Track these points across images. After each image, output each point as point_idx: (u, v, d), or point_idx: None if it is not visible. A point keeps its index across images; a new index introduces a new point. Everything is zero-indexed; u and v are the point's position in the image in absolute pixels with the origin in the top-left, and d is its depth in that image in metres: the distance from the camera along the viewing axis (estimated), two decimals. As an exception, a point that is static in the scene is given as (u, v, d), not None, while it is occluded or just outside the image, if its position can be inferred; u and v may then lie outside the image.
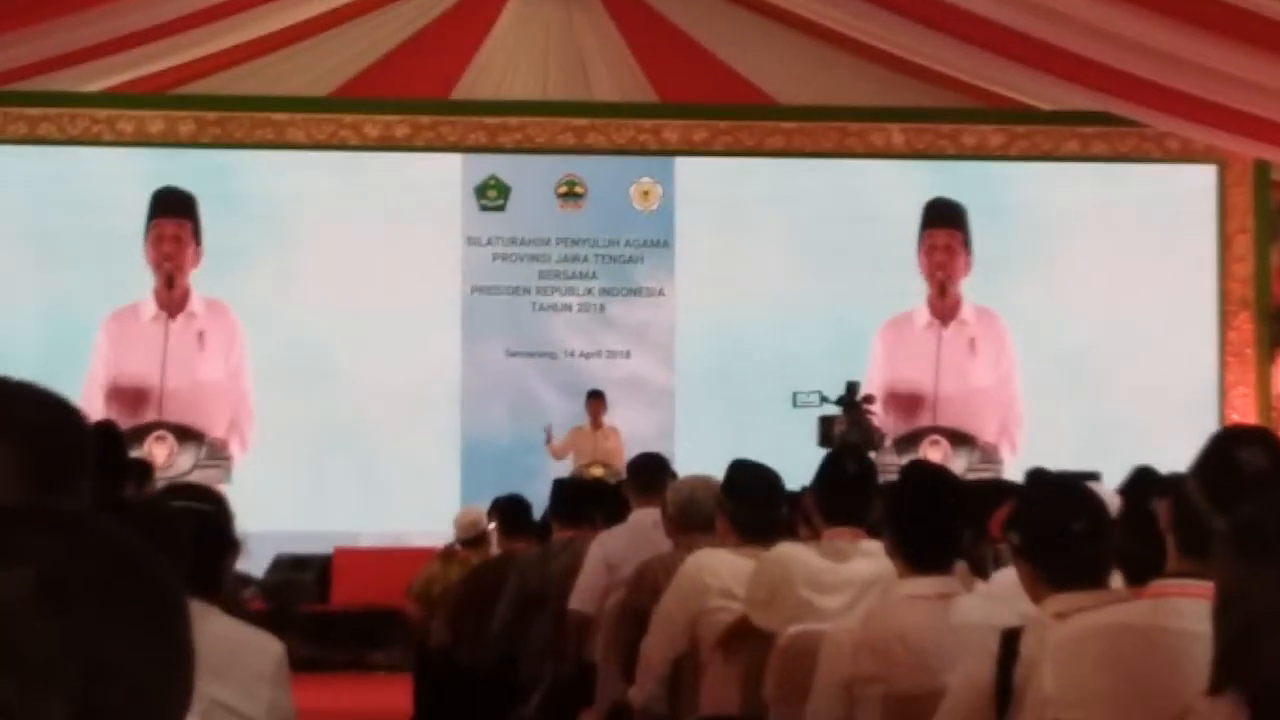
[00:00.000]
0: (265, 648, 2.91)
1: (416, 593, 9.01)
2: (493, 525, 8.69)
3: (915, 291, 13.79)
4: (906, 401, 13.67)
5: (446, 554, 9.19)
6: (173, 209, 13.32)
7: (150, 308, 13.30)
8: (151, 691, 0.95)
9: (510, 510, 8.39)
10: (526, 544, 7.95)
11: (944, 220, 13.79)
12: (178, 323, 13.30)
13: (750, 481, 4.90)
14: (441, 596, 8.39)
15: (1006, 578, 4.19)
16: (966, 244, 13.81)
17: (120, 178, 13.34)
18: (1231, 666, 1.79)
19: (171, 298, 13.30)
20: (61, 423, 1.80)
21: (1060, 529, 3.08)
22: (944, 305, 13.81)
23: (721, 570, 4.72)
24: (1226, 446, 2.71)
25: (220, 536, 3.12)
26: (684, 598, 4.85)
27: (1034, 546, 3.14)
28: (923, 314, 13.80)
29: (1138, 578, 3.01)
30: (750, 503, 4.83)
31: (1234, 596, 1.82)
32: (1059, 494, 3.20)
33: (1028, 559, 3.15)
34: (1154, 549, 2.79)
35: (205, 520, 3.07)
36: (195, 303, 13.34)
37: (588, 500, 7.32)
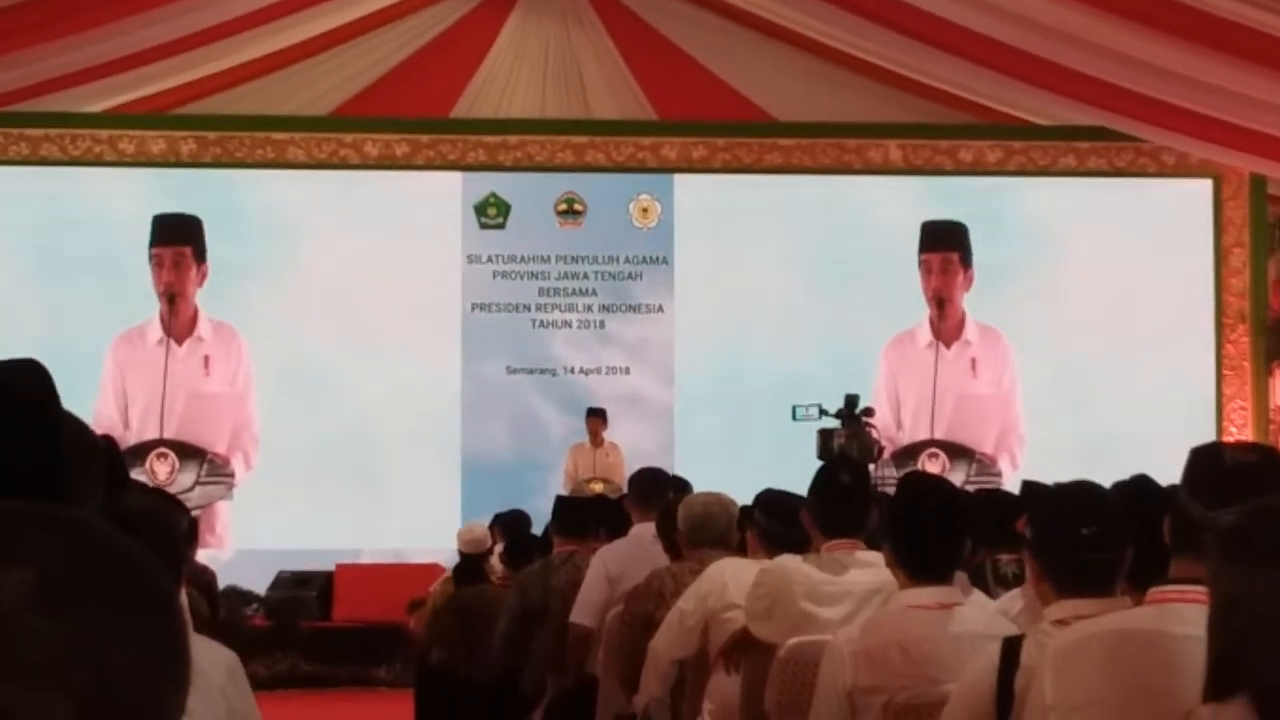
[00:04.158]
0: (218, 657, 2.92)
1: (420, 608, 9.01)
2: (499, 548, 8.59)
3: (916, 305, 13.80)
4: (908, 419, 13.68)
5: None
6: (171, 236, 13.34)
7: (156, 331, 13.31)
8: (152, 692, 0.96)
9: (514, 533, 8.34)
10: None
11: (940, 243, 13.78)
12: (184, 348, 13.30)
13: (781, 499, 5.01)
14: (443, 611, 8.39)
15: (1012, 605, 4.21)
16: (966, 262, 13.80)
17: (122, 197, 13.36)
18: (1234, 672, 1.78)
19: (176, 322, 13.30)
20: (74, 434, 1.84)
21: (1068, 532, 3.10)
22: (945, 325, 13.80)
23: (745, 578, 4.72)
24: (1213, 448, 2.75)
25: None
26: (703, 597, 4.88)
27: (1042, 547, 3.16)
28: (925, 332, 13.81)
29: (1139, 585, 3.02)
30: (782, 518, 4.86)
31: (1233, 602, 1.81)
32: (1073, 498, 3.21)
33: (1036, 558, 3.19)
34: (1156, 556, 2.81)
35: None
36: (203, 326, 13.35)
37: (588, 515, 7.32)
